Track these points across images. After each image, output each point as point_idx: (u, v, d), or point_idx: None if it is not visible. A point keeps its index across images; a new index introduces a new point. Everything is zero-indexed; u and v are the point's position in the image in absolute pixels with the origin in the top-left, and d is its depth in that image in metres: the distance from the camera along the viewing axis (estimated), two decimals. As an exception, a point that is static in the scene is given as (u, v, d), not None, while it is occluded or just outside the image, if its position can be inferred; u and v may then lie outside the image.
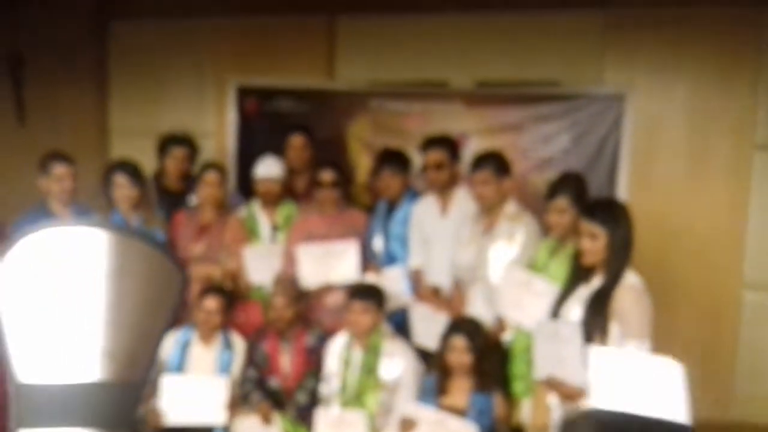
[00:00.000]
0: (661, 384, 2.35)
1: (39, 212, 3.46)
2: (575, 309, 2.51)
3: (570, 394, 2.45)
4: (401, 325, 3.49)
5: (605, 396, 2.36)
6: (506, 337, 3.03)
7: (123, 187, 3.43)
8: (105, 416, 0.55)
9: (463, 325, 2.92)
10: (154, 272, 0.59)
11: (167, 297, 0.60)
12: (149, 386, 3.22)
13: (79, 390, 0.54)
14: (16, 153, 4.83)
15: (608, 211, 2.49)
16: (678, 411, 2.31)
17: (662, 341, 2.56)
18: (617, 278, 2.43)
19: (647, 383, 2.35)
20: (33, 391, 0.54)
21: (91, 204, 3.64)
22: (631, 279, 2.45)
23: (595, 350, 2.49)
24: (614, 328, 2.41)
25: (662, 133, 4.09)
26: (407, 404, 2.95)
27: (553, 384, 2.49)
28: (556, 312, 2.60)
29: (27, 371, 0.55)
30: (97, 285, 0.55)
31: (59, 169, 3.42)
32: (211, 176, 3.60)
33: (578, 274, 2.58)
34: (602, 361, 2.42)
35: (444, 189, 3.42)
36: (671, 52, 4.02)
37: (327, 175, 3.56)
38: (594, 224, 2.45)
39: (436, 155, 3.37)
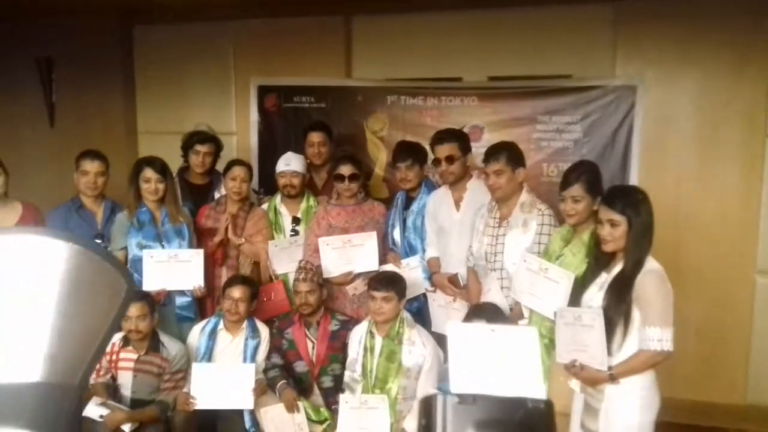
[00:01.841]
0: (518, 355, 2.29)
1: (72, 206, 3.51)
2: (597, 295, 2.47)
3: (592, 378, 2.43)
4: (418, 313, 3.51)
5: (463, 373, 2.29)
6: (523, 323, 3.02)
7: (150, 182, 3.45)
8: (43, 417, 0.53)
9: (483, 311, 2.90)
10: (102, 282, 0.58)
11: (112, 305, 0.60)
12: (179, 374, 3.25)
13: (17, 389, 0.52)
14: (47, 153, 4.90)
15: (628, 199, 2.43)
16: (535, 383, 2.25)
17: (676, 327, 2.53)
18: (639, 264, 2.38)
19: (504, 356, 2.26)
20: None
21: (120, 201, 3.69)
22: (652, 265, 2.40)
23: (450, 325, 2.44)
24: (636, 315, 2.38)
25: (673, 122, 4.03)
26: (429, 390, 2.94)
27: (574, 369, 2.48)
28: (577, 298, 2.56)
29: None
30: (46, 291, 0.55)
31: (87, 166, 3.47)
32: (236, 171, 3.63)
33: (599, 261, 2.53)
34: (458, 337, 2.36)
35: (457, 181, 3.40)
36: (681, 42, 3.96)
37: (346, 169, 3.57)
38: (614, 212, 2.40)
39: (446, 149, 3.35)
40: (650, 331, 2.33)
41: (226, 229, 3.57)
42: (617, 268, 2.46)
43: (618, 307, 2.37)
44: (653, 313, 2.35)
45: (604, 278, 2.49)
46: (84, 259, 0.57)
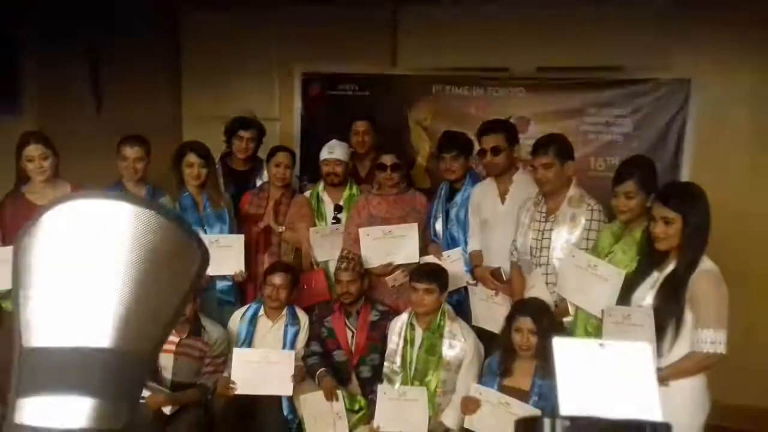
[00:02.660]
0: (633, 374, 2.21)
1: (114, 191, 3.53)
2: (648, 295, 2.39)
3: None
4: (459, 306, 3.44)
5: (571, 394, 2.21)
6: (567, 320, 2.94)
7: (193, 167, 3.44)
8: (111, 386, 0.51)
9: (529, 307, 2.82)
10: (175, 249, 0.57)
11: (186, 274, 0.59)
12: (219, 359, 3.26)
13: (87, 355, 0.51)
14: (93, 140, 4.95)
15: (683, 195, 2.35)
16: (651, 404, 2.17)
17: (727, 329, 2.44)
18: (693, 264, 2.29)
19: (617, 375, 2.22)
20: (40, 355, 0.51)
21: (164, 185, 3.70)
22: (707, 265, 2.31)
23: (557, 341, 2.35)
24: (688, 315, 2.29)
25: (728, 117, 3.88)
26: (472, 385, 2.87)
27: None
28: (626, 297, 2.47)
29: (36, 334, 0.52)
30: (118, 255, 0.53)
31: (127, 151, 3.46)
32: (280, 158, 3.62)
33: (651, 259, 2.44)
34: (566, 354, 2.28)
35: (502, 173, 3.32)
36: (738, 35, 3.79)
37: (388, 159, 3.52)
38: (668, 209, 2.31)
39: (492, 140, 3.26)
40: (703, 333, 2.25)
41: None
42: (670, 267, 2.37)
43: (670, 307, 2.29)
44: (707, 314, 2.26)
45: (656, 277, 2.41)
46: (156, 224, 0.55)
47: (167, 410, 3.09)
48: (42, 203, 2.60)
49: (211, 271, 3.39)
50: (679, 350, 2.33)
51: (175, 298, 0.58)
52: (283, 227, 3.61)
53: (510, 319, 2.83)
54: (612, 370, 2.35)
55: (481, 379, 2.96)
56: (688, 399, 2.34)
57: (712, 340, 2.25)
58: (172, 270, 0.57)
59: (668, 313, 2.30)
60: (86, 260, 0.53)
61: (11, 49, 5.36)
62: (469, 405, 2.79)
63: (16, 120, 5.43)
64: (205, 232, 3.46)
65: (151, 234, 0.55)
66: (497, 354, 2.93)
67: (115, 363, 0.52)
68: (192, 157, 3.46)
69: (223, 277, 3.50)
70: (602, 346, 2.38)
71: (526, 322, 2.75)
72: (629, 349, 2.45)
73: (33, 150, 3.20)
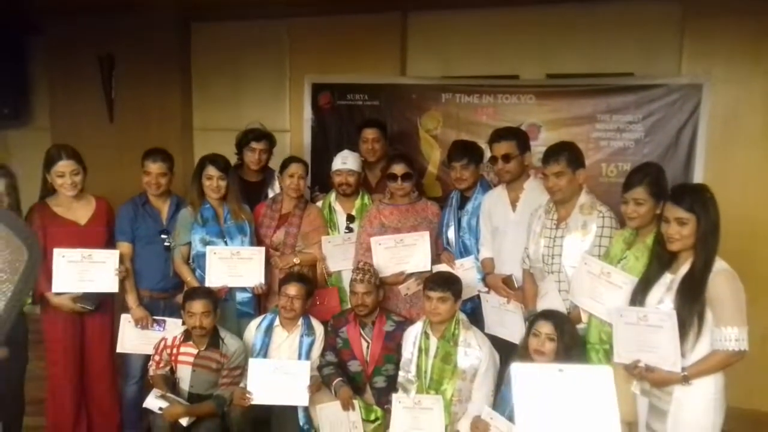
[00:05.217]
0: (592, 397, 2.25)
1: (138, 201, 3.57)
2: (666, 297, 2.43)
3: (663, 379, 2.40)
4: (472, 314, 3.48)
5: (530, 419, 2.25)
6: (581, 327, 2.98)
7: (213, 179, 3.51)
8: None
9: (552, 315, 2.82)
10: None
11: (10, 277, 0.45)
12: (237, 371, 3.30)
13: None
14: (106, 148, 5.04)
15: (696, 196, 2.40)
16: (611, 428, 2.22)
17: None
18: (709, 263, 2.35)
19: (576, 399, 2.25)
20: None
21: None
22: (722, 264, 2.37)
23: (515, 367, 2.40)
24: (708, 315, 2.34)
25: (740, 123, 3.90)
26: (485, 409, 2.89)
27: (637, 369, 2.45)
28: (639, 300, 2.52)
29: None
30: None
31: (150, 166, 3.50)
32: (293, 168, 3.66)
33: (661, 261, 2.50)
34: (525, 379, 2.32)
35: (513, 180, 3.36)
36: (750, 41, 3.83)
37: (399, 168, 3.57)
38: (682, 209, 2.37)
39: (504, 147, 3.31)
40: (726, 331, 2.30)
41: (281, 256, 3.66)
42: (684, 268, 2.43)
43: (692, 307, 2.34)
44: (728, 312, 2.32)
45: (670, 279, 2.46)
46: None
47: (184, 422, 3.14)
48: (67, 216, 2.67)
49: (232, 283, 3.46)
50: (700, 349, 2.37)
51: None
52: (297, 260, 3.65)
53: (531, 324, 2.86)
54: (572, 395, 2.39)
55: (502, 388, 2.99)
56: (713, 398, 2.39)
57: (737, 338, 2.30)
58: None
59: (690, 314, 2.35)
60: None
61: (23, 60, 5.50)
62: (479, 426, 2.83)
63: (27, 130, 5.58)
64: (226, 244, 3.52)
65: None
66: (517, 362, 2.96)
67: None
68: (211, 170, 3.52)
69: (243, 288, 3.55)
70: (562, 371, 2.44)
71: (545, 326, 2.76)
72: (589, 373, 2.50)
73: (65, 166, 3.24)
